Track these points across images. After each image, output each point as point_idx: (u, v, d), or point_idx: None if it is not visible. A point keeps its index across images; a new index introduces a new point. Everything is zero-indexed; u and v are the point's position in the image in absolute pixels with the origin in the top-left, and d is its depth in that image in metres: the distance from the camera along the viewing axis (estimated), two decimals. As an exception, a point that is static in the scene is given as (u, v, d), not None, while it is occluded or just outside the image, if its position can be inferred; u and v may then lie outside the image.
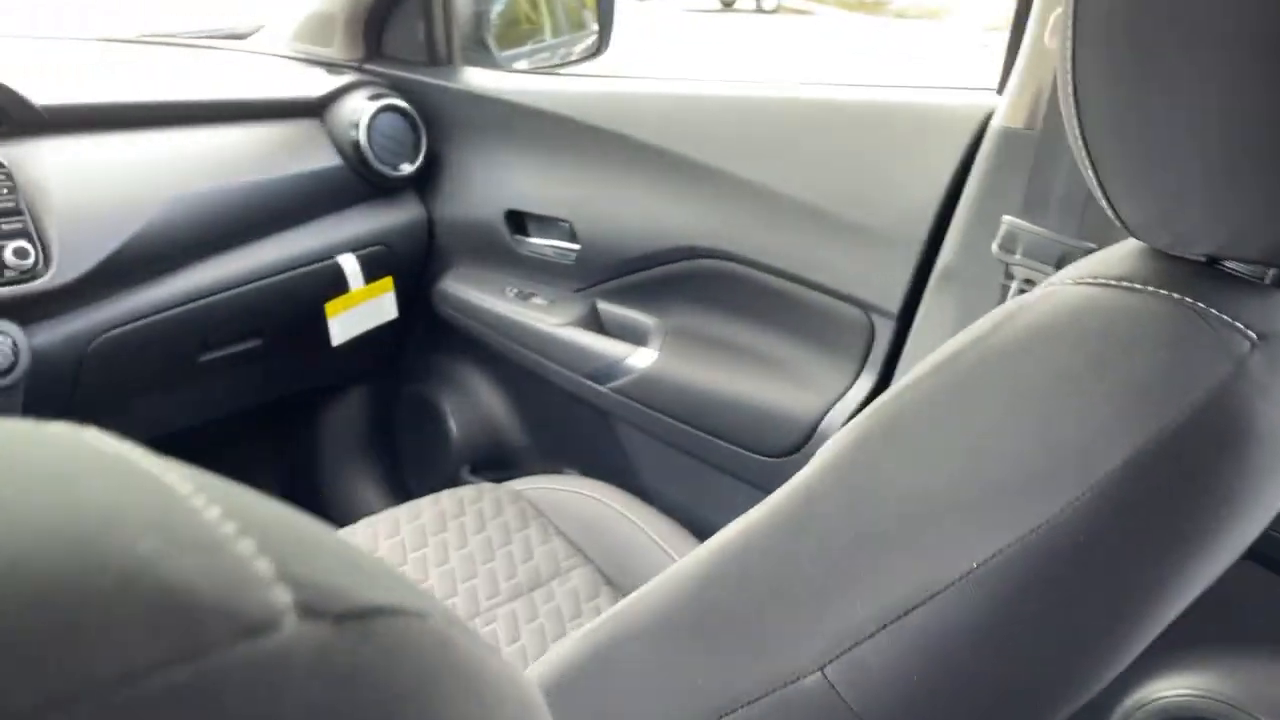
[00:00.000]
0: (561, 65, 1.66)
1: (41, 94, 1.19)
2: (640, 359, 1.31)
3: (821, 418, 1.15)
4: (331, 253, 1.43)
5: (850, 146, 1.13)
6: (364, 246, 1.46)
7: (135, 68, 1.51)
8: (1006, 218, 0.90)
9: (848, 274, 1.12)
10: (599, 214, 1.36)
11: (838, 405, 1.14)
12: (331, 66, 1.56)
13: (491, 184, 1.48)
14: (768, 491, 1.20)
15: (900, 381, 0.49)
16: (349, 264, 1.44)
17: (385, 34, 1.57)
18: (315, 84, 1.48)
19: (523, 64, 1.64)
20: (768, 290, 1.20)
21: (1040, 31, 0.91)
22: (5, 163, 1.13)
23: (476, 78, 1.51)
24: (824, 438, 1.15)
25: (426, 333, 1.62)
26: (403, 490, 1.74)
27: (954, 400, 0.45)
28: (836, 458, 0.48)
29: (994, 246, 0.91)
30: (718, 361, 1.26)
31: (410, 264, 1.54)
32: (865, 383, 1.13)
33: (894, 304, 1.09)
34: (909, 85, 1.12)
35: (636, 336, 1.35)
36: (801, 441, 1.17)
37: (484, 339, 1.50)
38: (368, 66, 1.56)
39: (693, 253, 1.27)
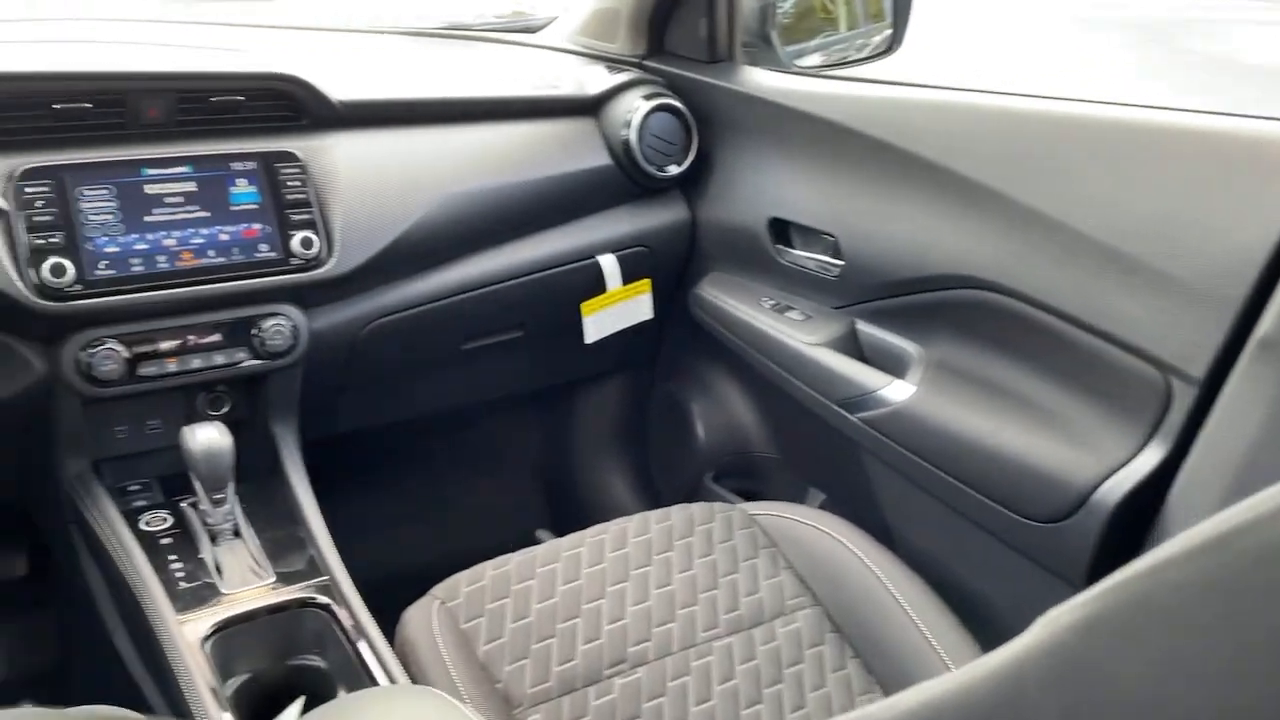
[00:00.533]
0: (850, 63, 1.57)
1: (339, 89, 1.27)
2: (897, 391, 1.21)
3: (1097, 485, 1.01)
4: (593, 252, 1.43)
5: (1164, 178, 0.97)
6: (625, 247, 1.46)
7: (427, 62, 1.58)
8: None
9: (1146, 326, 0.97)
10: (868, 231, 1.27)
11: (1119, 473, 1.00)
12: (613, 63, 1.56)
13: (758, 190, 1.42)
14: (1023, 554, 1.08)
15: (1156, 554, 0.39)
16: (609, 264, 1.44)
17: (668, 30, 1.55)
18: (594, 81, 1.48)
19: (812, 59, 1.56)
20: (1048, 332, 1.07)
21: None
22: (301, 156, 1.20)
23: (754, 77, 1.45)
24: (1098, 509, 1.00)
25: (682, 334, 1.59)
26: (650, 489, 1.74)
27: (1228, 596, 0.35)
28: (1056, 641, 0.39)
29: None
30: (982, 405, 1.13)
31: (671, 265, 1.52)
32: (1154, 453, 0.98)
33: (1199, 369, 0.93)
34: (1245, 113, 0.94)
35: (895, 365, 1.25)
36: (1070, 510, 1.03)
37: (735, 348, 1.45)
38: (648, 63, 1.55)
39: (966, 282, 1.15)
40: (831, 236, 1.32)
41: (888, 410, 1.21)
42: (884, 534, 1.22)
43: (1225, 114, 0.95)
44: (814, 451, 1.42)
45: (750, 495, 1.49)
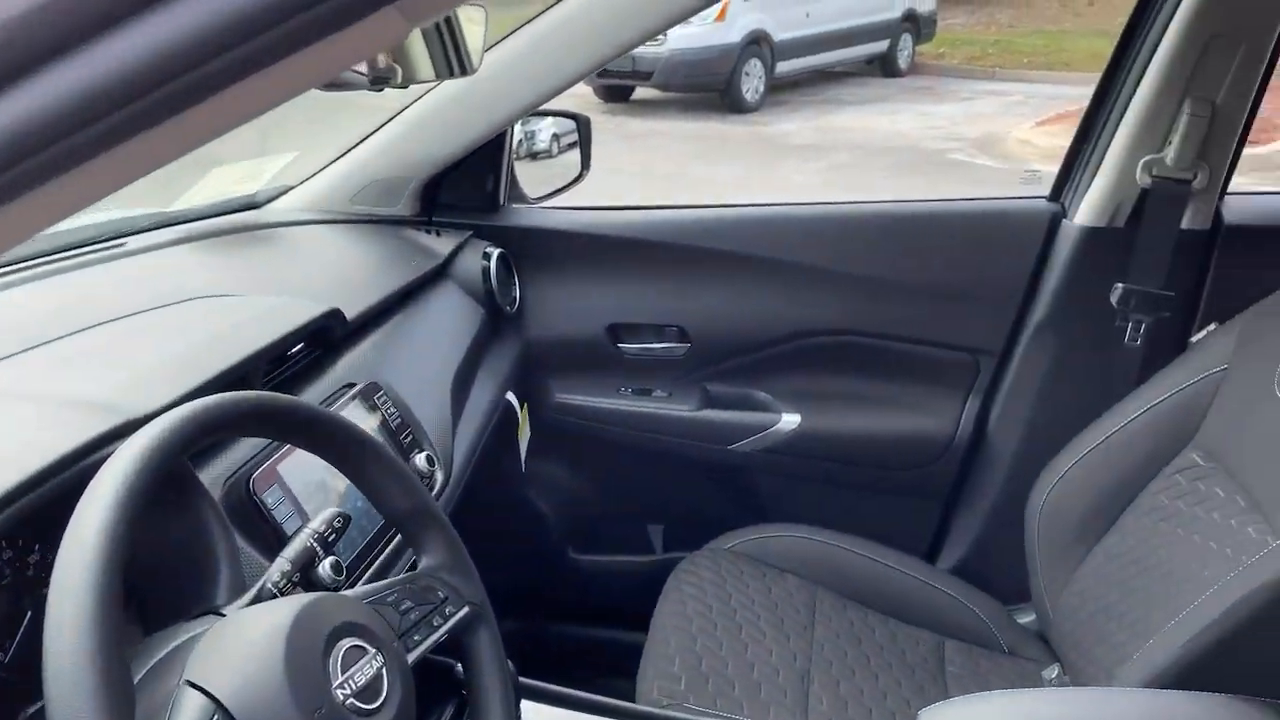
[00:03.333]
0: (560, 190, 1.92)
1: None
2: (785, 420, 1.70)
3: (945, 433, 1.67)
4: (501, 393, 1.60)
5: (939, 241, 1.64)
6: (512, 379, 1.65)
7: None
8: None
9: (954, 327, 1.64)
10: (714, 314, 1.71)
11: (957, 424, 1.66)
12: (400, 224, 1.68)
13: (592, 305, 1.74)
14: (907, 494, 1.68)
15: None
16: (512, 397, 1.63)
17: (442, 189, 1.72)
18: (433, 247, 1.61)
19: (538, 190, 1.87)
20: (886, 350, 1.68)
21: (1126, 142, 1.48)
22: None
23: (551, 215, 1.75)
24: (948, 448, 1.67)
25: (537, 444, 1.81)
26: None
27: None
28: None
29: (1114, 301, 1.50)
30: (853, 410, 1.70)
31: (526, 384, 1.74)
32: (973, 406, 1.67)
33: (997, 345, 1.63)
34: (970, 197, 1.67)
35: (764, 405, 1.74)
36: (936, 455, 1.67)
37: (606, 436, 1.76)
38: (437, 219, 1.71)
39: (810, 333, 1.69)
40: (675, 326, 1.73)
41: (785, 436, 1.70)
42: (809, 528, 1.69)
43: (961, 200, 1.67)
44: (705, 494, 1.82)
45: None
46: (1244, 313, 1.31)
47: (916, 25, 10.31)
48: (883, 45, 10.01)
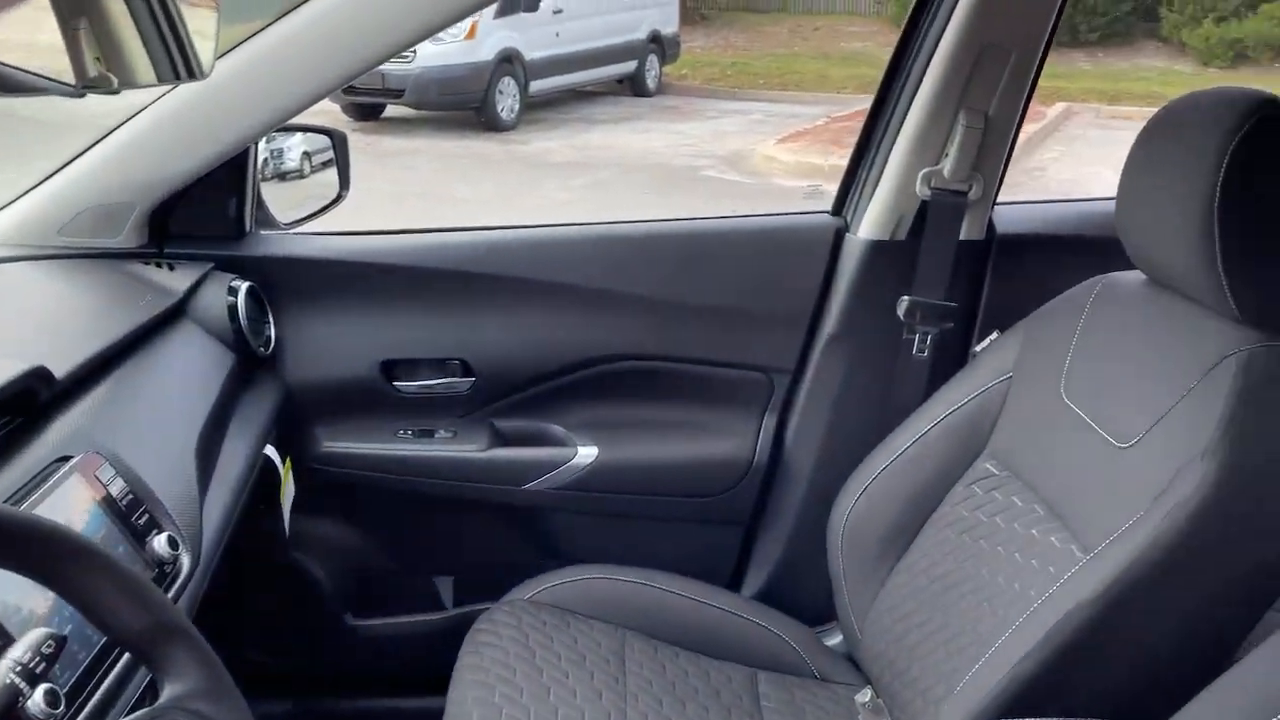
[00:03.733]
0: (317, 213, 1.73)
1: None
2: (582, 454, 1.59)
3: (744, 455, 1.61)
4: (260, 450, 1.40)
5: (722, 266, 1.58)
6: (270, 431, 1.45)
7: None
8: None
9: (747, 347, 1.59)
10: (498, 343, 1.58)
11: (755, 444, 1.61)
12: (126, 257, 1.44)
13: (361, 341, 1.56)
14: (705, 523, 1.62)
15: None
16: (271, 451, 1.42)
17: (174, 215, 1.49)
18: (164, 286, 1.39)
19: (290, 215, 1.67)
20: (679, 374, 1.60)
21: (904, 155, 1.47)
22: None
23: (308, 244, 1.56)
24: (749, 469, 1.61)
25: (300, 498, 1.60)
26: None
27: None
28: None
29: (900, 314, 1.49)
30: (653, 438, 1.62)
31: (287, 435, 1.53)
32: (770, 423, 1.62)
33: (790, 362, 1.59)
34: (755, 214, 1.63)
35: (557, 439, 1.62)
36: (737, 479, 1.61)
37: (385, 485, 1.58)
38: (169, 251, 1.48)
39: (602, 360, 1.59)
40: (457, 360, 1.59)
41: (582, 471, 1.59)
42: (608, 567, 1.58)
43: (747, 216, 1.62)
44: (499, 540, 1.67)
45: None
46: (1025, 320, 1.33)
47: (662, 47, 10.57)
48: (631, 66, 10.21)
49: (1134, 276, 1.22)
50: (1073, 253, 1.55)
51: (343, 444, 1.58)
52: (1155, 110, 1.13)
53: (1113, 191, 1.17)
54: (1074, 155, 6.97)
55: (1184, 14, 10.63)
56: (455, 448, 1.58)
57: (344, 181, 1.73)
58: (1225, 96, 1.04)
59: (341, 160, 1.73)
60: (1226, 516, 0.98)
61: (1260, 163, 0.99)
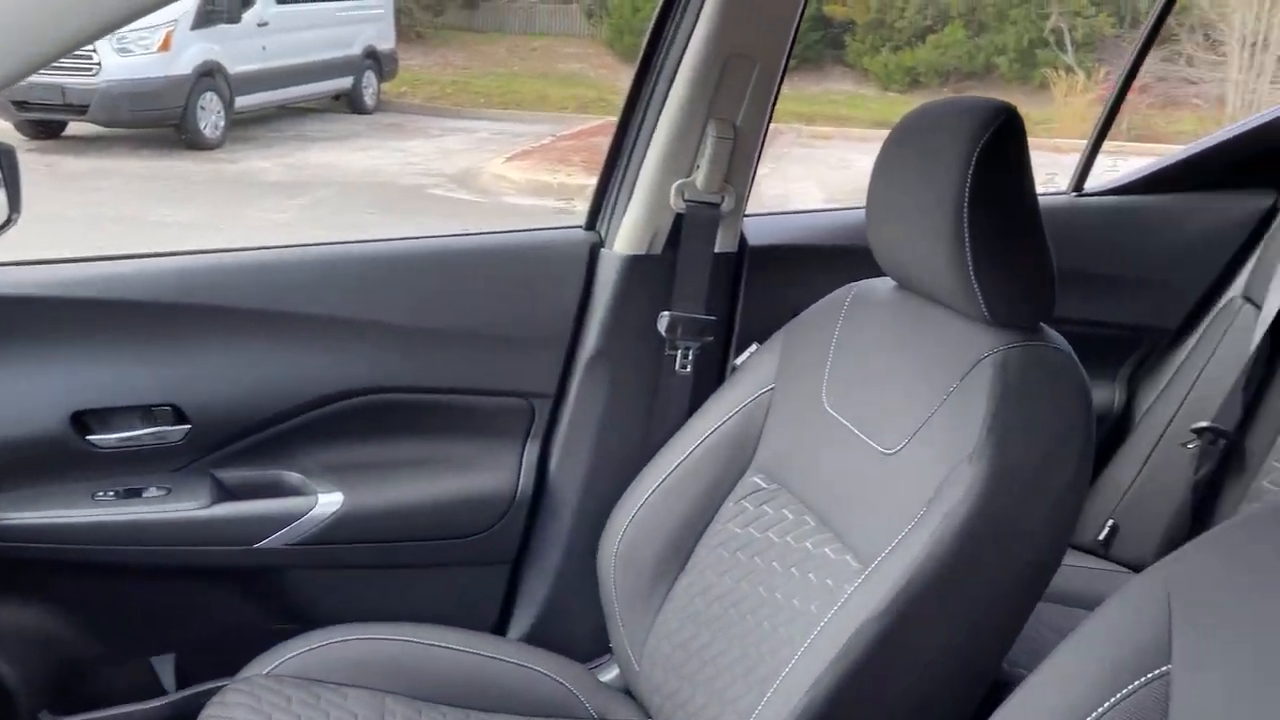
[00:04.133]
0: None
1: None
2: (324, 503, 1.42)
3: (506, 490, 1.50)
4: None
5: (472, 286, 1.47)
6: None
7: None
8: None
9: (505, 373, 1.49)
10: (218, 383, 1.38)
11: (518, 477, 1.51)
12: None
13: (45, 389, 1.32)
14: (465, 564, 1.50)
15: None
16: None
17: None
18: None
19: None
20: (433, 405, 1.47)
21: (657, 166, 1.42)
22: None
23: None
24: (509, 505, 1.50)
25: None
26: None
27: None
28: None
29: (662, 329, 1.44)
30: (404, 478, 1.47)
31: None
32: (532, 452, 1.52)
33: (550, 387, 1.50)
34: (506, 230, 1.52)
35: (296, 490, 1.44)
36: (498, 516, 1.50)
37: (77, 558, 1.34)
38: None
39: (344, 395, 1.43)
40: (167, 405, 1.37)
41: (325, 521, 1.42)
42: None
43: (498, 232, 1.51)
44: (228, 609, 1.45)
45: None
46: (781, 330, 1.32)
47: (379, 63, 10.23)
48: (347, 81, 9.80)
49: (885, 283, 1.23)
50: (824, 261, 1.56)
51: (26, 514, 1.32)
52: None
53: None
54: (781, 173, 7.36)
55: (865, 43, 11.57)
56: (169, 507, 1.37)
57: (14, 203, 1.46)
58: (965, 105, 1.06)
59: (10, 179, 1.45)
60: (998, 517, 0.98)
61: (1001, 165, 1.01)
